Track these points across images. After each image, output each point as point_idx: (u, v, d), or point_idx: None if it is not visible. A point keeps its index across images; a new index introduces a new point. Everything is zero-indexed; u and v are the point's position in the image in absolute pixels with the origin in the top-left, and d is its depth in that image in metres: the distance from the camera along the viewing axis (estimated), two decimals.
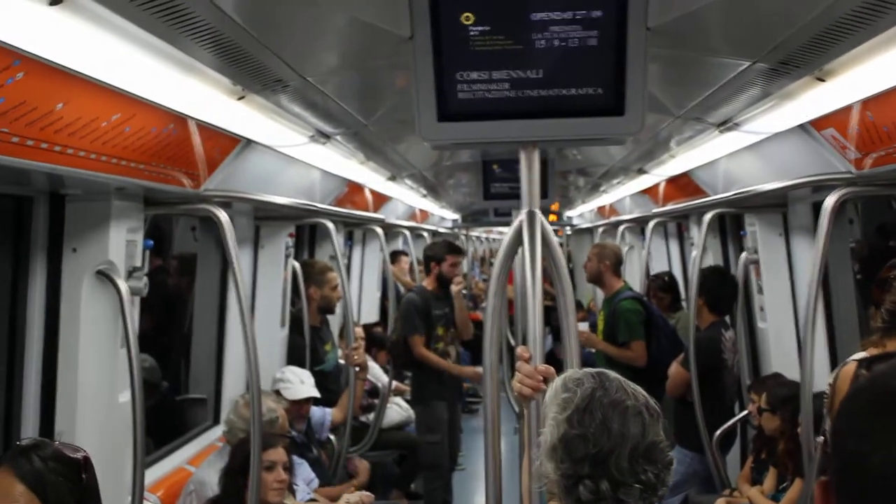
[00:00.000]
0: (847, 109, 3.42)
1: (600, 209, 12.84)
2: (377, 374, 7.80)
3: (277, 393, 5.56)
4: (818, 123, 3.77)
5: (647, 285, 8.37)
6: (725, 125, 4.30)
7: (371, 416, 7.35)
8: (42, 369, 3.62)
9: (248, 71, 2.99)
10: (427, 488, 7.39)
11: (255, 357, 4.11)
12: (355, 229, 9.26)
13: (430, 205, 12.08)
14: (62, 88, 2.56)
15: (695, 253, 6.30)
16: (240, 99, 3.32)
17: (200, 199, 4.08)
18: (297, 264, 6.68)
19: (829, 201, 3.87)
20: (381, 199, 8.63)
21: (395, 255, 10.94)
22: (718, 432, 5.81)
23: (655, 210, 8.13)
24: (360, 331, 6.61)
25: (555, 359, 2.88)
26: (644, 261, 9.15)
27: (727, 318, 6.25)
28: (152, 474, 4.57)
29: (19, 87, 2.34)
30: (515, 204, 6.84)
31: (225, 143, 4.05)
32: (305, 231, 7.55)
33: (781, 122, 3.94)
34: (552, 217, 11.84)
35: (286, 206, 5.20)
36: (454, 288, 7.37)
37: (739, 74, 3.27)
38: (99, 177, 3.10)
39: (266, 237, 6.31)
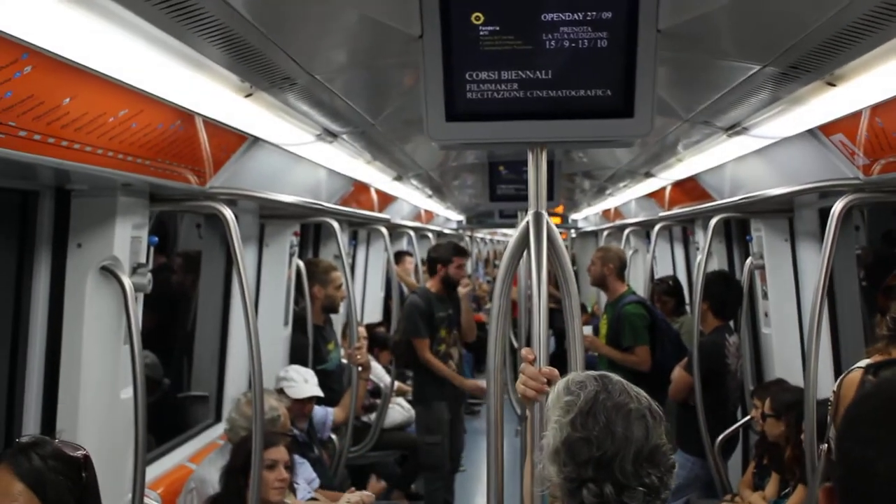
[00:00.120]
0: (856, 115, 3.40)
1: (605, 212, 12.83)
2: (379, 374, 7.80)
3: (280, 391, 5.56)
4: (827, 129, 3.76)
5: (652, 289, 8.36)
6: (734, 129, 4.28)
7: (373, 416, 7.34)
8: (45, 364, 3.62)
9: (257, 68, 2.98)
10: (428, 489, 7.38)
11: (257, 355, 4.10)
12: (360, 229, 9.26)
13: (435, 205, 12.07)
14: (69, 83, 2.55)
15: (700, 257, 6.29)
16: (247, 96, 3.31)
17: (206, 197, 4.08)
18: (301, 263, 6.68)
19: (837, 207, 3.86)
20: (386, 199, 8.63)
21: (400, 256, 10.94)
22: (721, 437, 5.80)
23: (661, 214, 8.12)
24: (362, 330, 6.60)
25: (558, 361, 2.86)
26: (649, 265, 9.14)
27: (731, 323, 6.24)
28: (153, 471, 4.57)
29: (27, 81, 2.33)
30: (521, 206, 6.94)
31: (231, 141, 4.05)
32: (310, 230, 7.55)
33: (790, 127, 3.92)
34: (557, 219, 11.85)
35: (292, 204, 5.20)
36: (462, 290, 7.37)
37: (749, 78, 3.26)
38: (105, 172, 3.09)
39: (271, 235, 6.30)
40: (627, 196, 9.71)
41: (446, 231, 15.06)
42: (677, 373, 6.23)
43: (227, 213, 4.07)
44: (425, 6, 2.63)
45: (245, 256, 4.41)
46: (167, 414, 5.62)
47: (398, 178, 7.58)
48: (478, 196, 10.73)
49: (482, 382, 7.54)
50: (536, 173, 2.96)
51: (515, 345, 8.39)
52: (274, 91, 3.39)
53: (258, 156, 4.42)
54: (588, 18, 2.64)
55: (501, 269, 3.05)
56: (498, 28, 2.67)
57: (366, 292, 10.35)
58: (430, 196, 10.53)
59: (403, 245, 11.78)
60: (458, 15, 2.65)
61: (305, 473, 5.15)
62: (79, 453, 2.73)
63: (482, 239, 23.32)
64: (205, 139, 3.72)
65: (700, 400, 5.80)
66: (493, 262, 22.96)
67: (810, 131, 3.90)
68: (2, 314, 3.60)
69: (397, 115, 4.54)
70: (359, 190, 7.21)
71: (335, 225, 6.37)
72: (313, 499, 5.07)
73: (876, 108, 3.26)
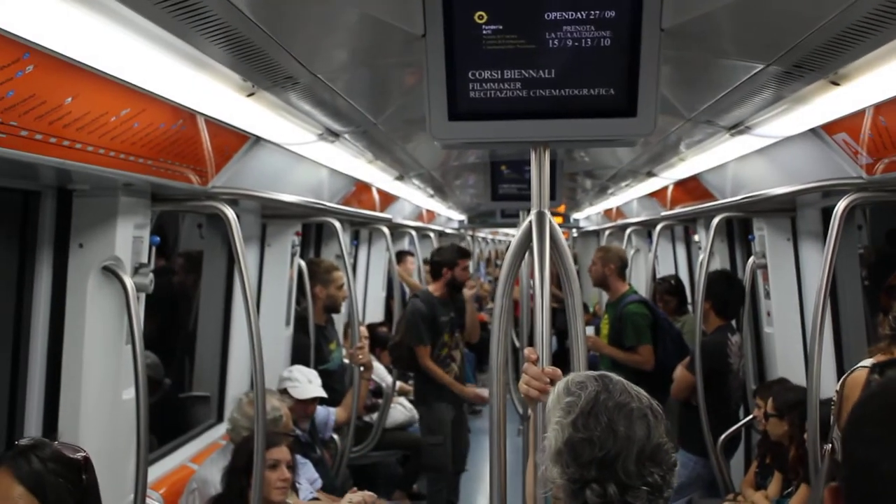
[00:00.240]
0: (860, 114, 3.40)
1: (607, 212, 12.83)
2: (381, 374, 7.79)
3: (284, 391, 5.55)
4: (830, 128, 3.75)
5: (654, 289, 8.35)
6: (736, 128, 4.28)
7: (374, 415, 7.33)
8: (46, 364, 3.61)
9: (259, 67, 2.98)
10: (430, 490, 7.39)
11: (259, 355, 4.10)
12: (361, 228, 9.26)
13: (436, 205, 12.08)
14: (71, 82, 2.55)
15: (702, 257, 6.28)
16: (249, 96, 3.31)
17: (208, 196, 4.07)
18: (303, 263, 6.68)
19: (840, 206, 3.85)
20: (388, 199, 8.63)
21: (401, 255, 10.94)
22: (723, 437, 5.79)
23: (664, 213, 8.11)
24: (364, 330, 6.60)
25: (559, 360, 2.86)
26: (651, 264, 9.14)
27: (734, 323, 6.23)
28: (155, 472, 4.57)
29: (29, 80, 2.33)
30: (523, 205, 6.94)
31: (233, 140, 4.04)
32: (312, 229, 7.55)
33: (793, 126, 3.92)
34: (558, 219, 11.84)
35: (293, 204, 5.20)
36: (467, 292, 7.37)
37: (752, 77, 3.25)
38: (107, 172, 3.09)
39: (273, 235, 6.30)
40: (629, 195, 9.71)
41: (448, 231, 15.06)
42: (679, 372, 6.23)
43: (229, 212, 4.06)
44: (428, 5, 2.63)
45: (247, 256, 4.41)
46: (169, 414, 5.62)
47: (400, 178, 7.58)
48: (479, 195, 10.73)
49: (482, 391, 7.53)
50: (539, 172, 2.95)
51: (517, 344, 8.37)
52: (276, 90, 3.39)
53: (260, 155, 4.41)
54: (591, 17, 2.63)
55: (504, 268, 3.04)
56: (501, 27, 2.66)
57: (367, 292, 10.35)
58: (431, 196, 10.54)
59: (405, 245, 11.78)
60: (461, 14, 2.65)
61: (308, 473, 5.14)
62: (79, 455, 2.72)
63: (483, 238, 23.34)
64: (207, 139, 3.72)
65: (702, 399, 5.79)
66: (495, 262, 22.97)
67: (813, 130, 3.89)
68: (3, 314, 3.60)
69: (399, 114, 4.53)
70: (360, 189, 7.21)
71: (337, 224, 6.36)
72: (315, 499, 5.06)
73: (879, 107, 3.26)
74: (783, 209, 5.66)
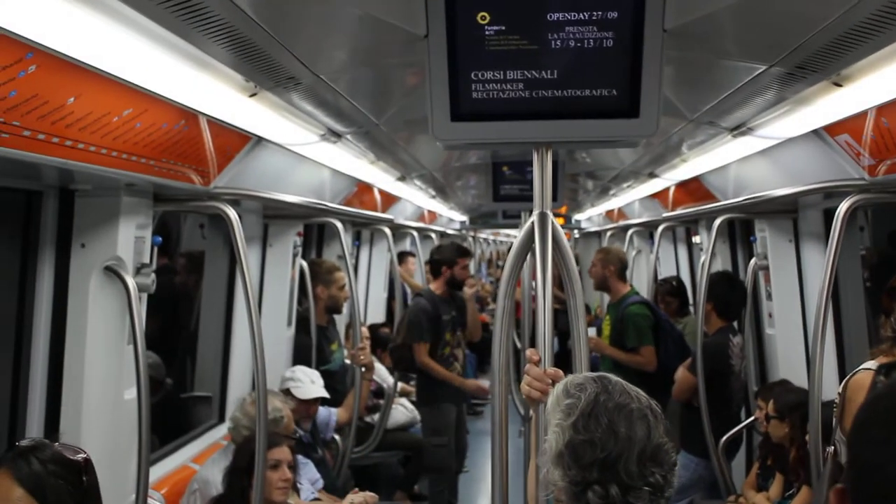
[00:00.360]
0: (862, 115, 3.40)
1: (609, 213, 12.83)
2: (383, 374, 7.80)
3: (287, 392, 5.55)
4: (832, 129, 3.75)
5: (655, 290, 8.35)
6: (738, 129, 4.28)
7: (376, 416, 7.33)
8: (48, 364, 3.62)
9: (261, 67, 2.98)
10: (432, 491, 7.39)
11: (261, 355, 4.10)
12: (363, 229, 9.26)
13: (438, 206, 12.08)
14: (74, 82, 2.55)
15: (704, 258, 6.28)
16: (252, 96, 3.31)
17: (210, 197, 4.08)
18: (304, 263, 6.68)
19: (842, 208, 3.85)
20: (389, 200, 8.63)
21: (403, 256, 10.94)
22: (725, 438, 5.79)
23: (665, 214, 8.11)
24: (366, 331, 6.60)
25: (561, 362, 2.85)
26: (652, 265, 9.13)
27: (735, 324, 6.23)
28: (156, 472, 4.57)
29: (31, 80, 2.33)
30: (524, 206, 6.94)
31: (236, 141, 4.05)
32: (314, 230, 7.56)
33: (795, 128, 3.92)
34: (560, 220, 11.84)
35: (295, 204, 5.20)
36: (468, 291, 7.37)
37: (755, 78, 3.25)
38: (109, 172, 3.09)
39: (274, 235, 6.30)
40: (631, 196, 9.71)
41: (449, 231, 15.06)
42: (681, 373, 6.23)
43: (231, 213, 4.06)
44: (431, 6, 2.62)
45: (248, 256, 4.40)
46: (170, 414, 5.62)
47: (402, 179, 7.59)
48: (481, 196, 10.73)
49: (484, 382, 7.54)
50: (541, 173, 2.95)
51: (519, 345, 8.38)
52: (278, 91, 3.39)
53: (262, 156, 4.41)
54: (594, 18, 2.63)
55: (506, 269, 3.04)
56: (504, 28, 2.66)
57: (369, 293, 10.35)
58: (433, 196, 10.54)
59: (407, 245, 11.79)
60: (463, 14, 2.64)
61: (309, 474, 5.15)
62: (79, 457, 2.71)
63: (485, 239, 23.34)
64: (209, 139, 3.72)
65: (704, 401, 5.79)
66: (496, 263, 22.97)
67: (815, 132, 3.89)
68: (6, 314, 3.60)
69: (402, 115, 4.53)
70: (362, 190, 7.21)
71: (339, 225, 6.36)
72: (317, 499, 5.06)
73: (882, 109, 3.25)
74: (785, 210, 5.66)
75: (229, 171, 4.12)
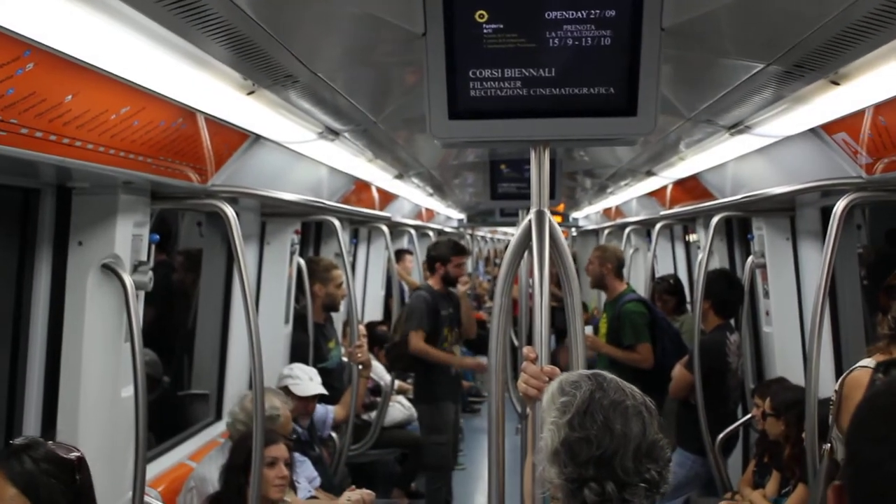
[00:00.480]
0: (860, 114, 3.40)
1: (606, 211, 12.83)
2: (380, 372, 7.80)
3: (285, 389, 5.56)
4: (830, 127, 3.75)
5: (653, 288, 8.36)
6: (736, 128, 4.28)
7: (373, 414, 7.34)
8: (45, 362, 3.61)
9: (259, 65, 2.98)
10: (430, 488, 7.40)
11: (258, 353, 4.10)
12: (361, 227, 9.26)
13: (436, 204, 12.08)
14: (71, 80, 2.55)
15: (701, 256, 6.29)
16: (249, 94, 3.30)
17: (207, 195, 4.07)
18: (302, 261, 6.68)
19: (839, 206, 3.86)
20: (387, 198, 8.63)
21: (400, 254, 10.94)
22: (721, 435, 5.80)
23: (662, 212, 8.12)
24: (363, 329, 6.60)
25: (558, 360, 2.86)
26: (650, 263, 9.14)
27: (732, 322, 6.24)
28: (153, 469, 4.57)
29: (29, 78, 2.32)
30: (522, 204, 6.94)
31: (233, 139, 4.04)
32: (311, 228, 7.56)
33: (793, 126, 3.92)
34: (558, 218, 11.84)
35: (293, 202, 5.20)
36: (461, 288, 7.40)
37: (752, 77, 3.25)
38: (106, 170, 3.09)
39: (272, 233, 6.30)
40: (629, 195, 9.72)
41: (447, 229, 15.07)
42: (678, 371, 6.23)
43: (229, 210, 4.06)
44: (429, 4, 2.62)
45: (246, 254, 4.41)
46: (167, 412, 5.62)
47: (399, 177, 7.58)
48: (479, 194, 10.73)
49: (482, 359, 7.55)
50: (539, 171, 2.95)
51: (516, 343, 8.39)
52: (276, 89, 3.39)
53: (260, 154, 4.41)
54: (592, 16, 2.63)
55: (503, 267, 3.04)
56: (501, 26, 2.66)
57: (366, 291, 10.35)
58: (431, 194, 10.54)
59: (404, 243, 11.79)
60: (461, 13, 2.64)
61: (306, 472, 5.15)
62: (72, 455, 2.71)
63: (483, 237, 23.34)
64: (206, 137, 3.72)
65: (701, 398, 5.80)
66: (494, 261, 22.98)
67: (813, 130, 3.89)
68: (3, 312, 3.60)
69: (399, 113, 4.53)
70: (360, 188, 7.21)
71: (336, 223, 6.36)
72: (314, 497, 5.06)
73: (879, 107, 3.26)
74: (782, 209, 5.67)
75: (227, 168, 4.12)
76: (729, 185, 5.82)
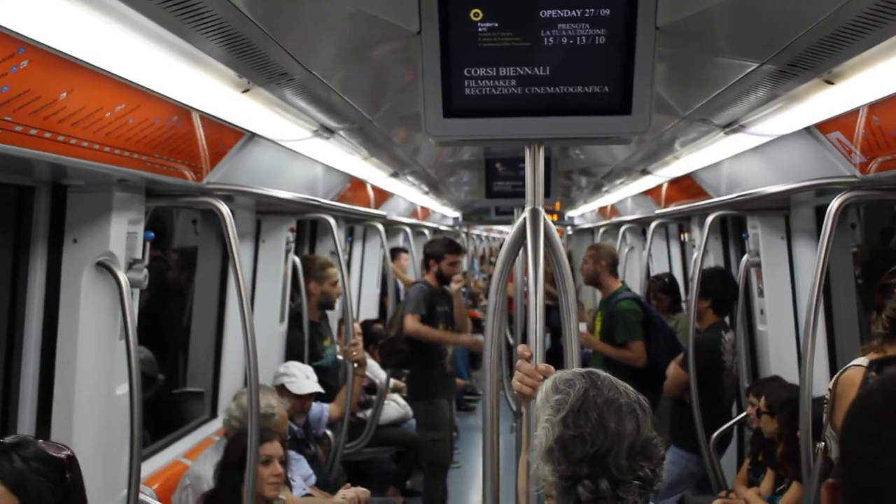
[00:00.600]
0: (854, 113, 3.41)
1: (601, 209, 12.84)
2: (375, 370, 7.80)
3: (282, 387, 5.56)
4: (824, 126, 3.76)
5: (648, 287, 8.37)
6: (731, 127, 4.28)
7: (368, 412, 7.34)
8: (40, 360, 3.61)
9: (254, 63, 2.98)
10: (427, 486, 7.40)
11: (253, 351, 4.10)
12: (356, 225, 9.26)
13: (431, 202, 12.08)
14: (66, 78, 2.55)
15: (696, 255, 6.30)
16: (245, 92, 3.30)
17: (202, 192, 4.07)
18: (297, 259, 6.68)
19: (833, 205, 3.87)
20: (382, 196, 8.63)
21: (395, 252, 10.95)
22: (716, 434, 5.80)
23: (658, 211, 8.12)
24: (358, 327, 6.60)
25: (553, 358, 2.86)
26: (645, 262, 9.15)
27: (727, 320, 6.24)
28: (148, 467, 4.56)
29: (23, 75, 2.32)
30: (517, 203, 6.94)
31: (228, 136, 4.04)
32: (306, 226, 7.56)
33: (787, 125, 3.93)
34: (553, 217, 11.84)
35: (288, 200, 5.20)
36: (453, 286, 7.41)
37: (747, 76, 3.26)
38: (101, 167, 3.09)
39: (267, 231, 6.30)
40: (624, 193, 9.72)
41: (442, 228, 15.07)
42: (672, 369, 6.24)
43: (224, 208, 4.06)
44: (424, 2, 2.62)
45: (241, 252, 4.40)
46: (162, 410, 5.61)
47: (395, 175, 7.59)
48: (474, 193, 10.74)
49: (479, 337, 7.57)
50: (534, 170, 2.95)
51: (511, 341, 8.40)
52: (271, 87, 3.39)
53: (255, 152, 4.41)
54: (586, 15, 2.63)
55: (498, 265, 3.04)
56: (496, 24, 2.66)
57: (362, 289, 10.35)
58: (426, 193, 10.54)
59: (399, 242, 11.79)
60: (456, 11, 2.65)
61: (302, 470, 5.15)
62: (62, 454, 2.71)
63: (478, 236, 23.34)
64: (201, 135, 3.71)
65: (696, 396, 5.80)
66: (489, 259, 22.98)
67: (807, 129, 3.90)
68: None
69: (395, 111, 4.53)
70: (355, 186, 7.21)
71: (332, 221, 6.36)
72: (308, 495, 5.06)
73: (873, 107, 3.26)
74: (777, 207, 5.67)
75: (222, 166, 4.12)
76: (724, 183, 5.83)
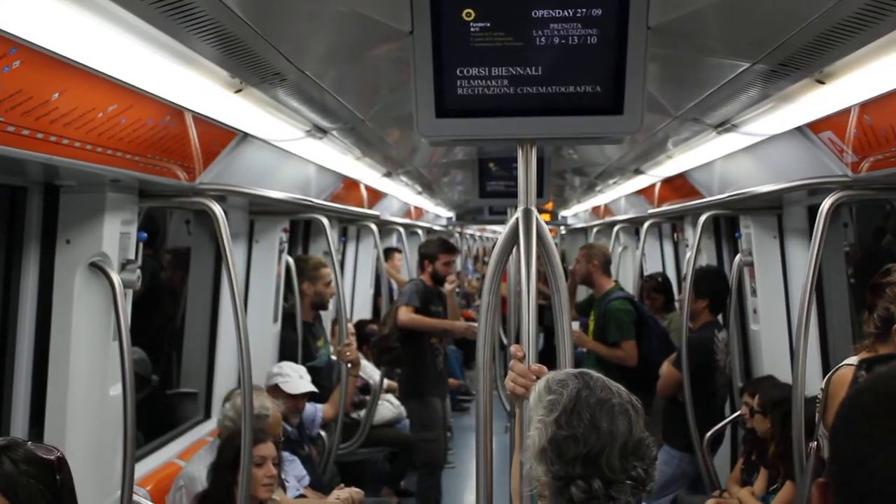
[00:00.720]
0: (845, 112, 3.41)
1: (595, 209, 12.86)
2: (369, 370, 7.80)
3: (276, 387, 5.55)
4: (816, 126, 3.77)
5: (641, 286, 8.38)
6: (723, 126, 4.29)
7: (362, 412, 7.34)
8: (33, 361, 3.60)
9: (247, 63, 2.98)
10: (421, 486, 7.40)
11: (247, 352, 4.10)
12: (350, 225, 9.26)
13: (425, 202, 12.08)
14: (59, 78, 2.54)
15: (689, 254, 6.31)
16: (237, 92, 3.30)
17: (195, 193, 4.07)
18: (290, 259, 6.68)
19: (826, 204, 3.87)
20: (376, 196, 8.63)
21: (389, 252, 10.95)
22: (710, 433, 5.81)
23: (651, 210, 8.14)
24: (352, 327, 6.60)
25: (546, 357, 2.87)
26: (638, 262, 9.16)
27: (720, 319, 6.26)
28: (142, 468, 4.56)
29: (15, 75, 2.32)
30: (511, 202, 6.96)
31: (221, 137, 4.04)
32: (300, 226, 7.55)
33: (779, 124, 3.93)
34: (546, 216, 11.86)
35: (281, 200, 5.19)
36: (447, 287, 7.43)
37: (739, 75, 3.26)
38: (94, 168, 3.08)
39: (260, 232, 6.29)
40: (617, 193, 9.74)
41: (436, 228, 15.07)
42: (666, 368, 6.25)
43: (217, 209, 4.06)
44: (416, 2, 2.62)
45: (234, 253, 4.40)
46: (156, 411, 5.61)
47: (388, 175, 7.59)
48: (467, 192, 10.75)
49: (474, 324, 7.58)
50: (526, 170, 2.96)
51: (504, 341, 8.40)
52: (264, 87, 3.39)
53: (248, 152, 4.41)
54: (578, 15, 2.64)
55: (491, 265, 3.04)
56: (488, 24, 2.66)
57: (355, 289, 10.35)
58: (419, 193, 10.54)
59: (393, 242, 11.79)
60: (448, 11, 2.65)
61: (295, 470, 5.15)
62: (52, 455, 2.70)
63: (472, 235, 23.34)
64: (194, 135, 3.71)
65: (689, 395, 5.81)
66: (483, 259, 22.97)
67: (799, 129, 3.91)
68: None
69: (387, 111, 4.53)
70: (349, 186, 7.20)
71: (325, 221, 6.36)
72: (302, 495, 5.06)
73: (865, 106, 3.27)
74: (770, 207, 5.69)
75: (215, 167, 4.12)
76: (716, 183, 5.84)
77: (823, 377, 4.04)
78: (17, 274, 3.59)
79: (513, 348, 2.78)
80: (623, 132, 2.84)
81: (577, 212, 15.25)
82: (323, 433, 6.36)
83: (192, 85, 3.08)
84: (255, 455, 4.22)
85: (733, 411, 6.07)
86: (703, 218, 5.99)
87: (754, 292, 6.01)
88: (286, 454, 5.04)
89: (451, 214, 15.28)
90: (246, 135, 4.18)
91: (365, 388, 7.59)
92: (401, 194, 9.74)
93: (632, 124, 2.76)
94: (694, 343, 6.00)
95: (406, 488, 8.04)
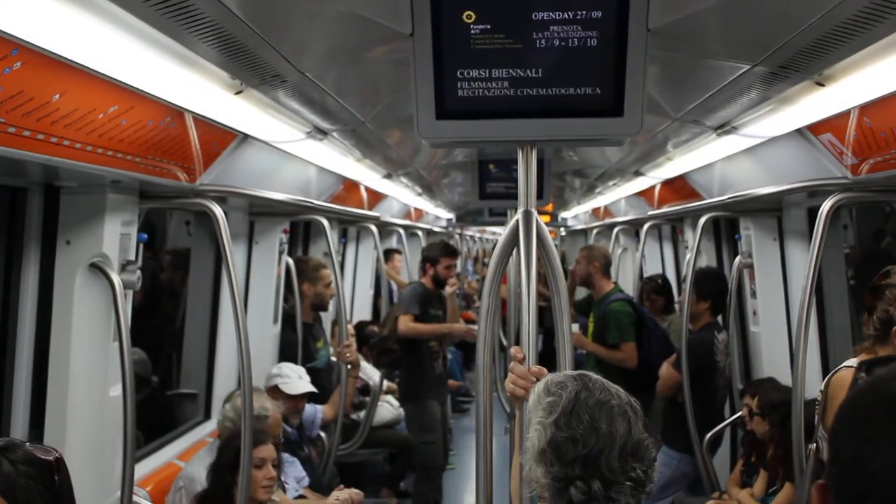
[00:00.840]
0: (845, 115, 3.42)
1: (595, 211, 12.85)
2: (369, 372, 7.80)
3: (275, 388, 5.55)
4: (815, 128, 3.77)
5: (641, 288, 8.38)
6: (723, 128, 4.30)
7: (362, 414, 7.34)
8: (33, 362, 3.60)
9: (247, 65, 2.98)
10: (419, 488, 7.40)
11: (247, 353, 4.10)
12: (350, 227, 9.26)
13: (425, 203, 12.08)
14: (59, 79, 2.54)
15: (689, 256, 6.31)
16: (238, 93, 3.30)
17: (196, 194, 4.07)
18: (290, 261, 6.68)
19: (825, 206, 3.88)
20: (376, 197, 8.63)
21: (389, 254, 10.95)
22: (709, 435, 5.81)
23: (651, 212, 8.14)
24: (351, 328, 6.60)
25: (546, 359, 2.87)
26: (638, 263, 9.16)
27: (720, 321, 6.26)
28: (142, 469, 4.57)
29: (16, 76, 2.32)
30: (511, 204, 6.96)
31: (222, 138, 4.04)
32: (300, 227, 7.56)
33: (779, 127, 3.94)
34: (546, 218, 11.86)
35: (281, 202, 5.19)
36: (448, 289, 7.43)
37: (738, 78, 3.27)
38: (94, 169, 3.09)
39: (260, 233, 6.30)
40: (617, 195, 9.74)
41: (436, 229, 15.06)
42: (665, 369, 6.25)
43: (217, 210, 4.06)
44: (416, 4, 2.63)
45: (234, 254, 4.41)
46: (156, 411, 5.61)
47: (388, 176, 7.59)
48: (467, 194, 10.73)
49: (473, 327, 7.59)
50: (526, 171, 2.96)
51: (504, 343, 8.40)
52: (264, 88, 3.39)
53: (248, 153, 4.41)
54: (578, 17, 2.64)
55: (491, 267, 3.05)
56: (489, 26, 2.67)
57: (355, 290, 10.35)
58: (420, 194, 10.54)
59: (393, 243, 11.79)
60: (448, 13, 2.65)
61: (295, 471, 5.14)
62: (51, 456, 2.70)
63: (472, 237, 23.33)
64: (195, 136, 3.71)
65: (689, 397, 5.81)
66: (483, 261, 22.97)
67: (799, 131, 3.91)
68: None
69: (388, 112, 4.53)
70: (349, 188, 7.21)
71: (325, 222, 6.36)
72: (302, 496, 5.06)
73: (864, 108, 3.27)
74: (769, 209, 5.69)
75: (215, 168, 4.12)
76: (716, 185, 5.84)
77: (823, 379, 4.04)
78: (18, 275, 3.59)
79: (513, 350, 2.78)
80: (623, 134, 2.84)
81: (577, 213, 15.25)
82: (322, 434, 6.36)
83: (193, 86, 3.09)
84: (254, 457, 4.22)
85: (733, 413, 6.07)
86: (702, 220, 5.99)
87: (754, 294, 6.01)
88: (286, 455, 5.04)
89: (451, 216, 15.27)
90: (246, 136, 4.18)
91: (364, 389, 7.59)
92: (401, 196, 9.74)
93: (632, 126, 2.76)
94: (694, 344, 6.00)
95: (405, 489, 8.04)
